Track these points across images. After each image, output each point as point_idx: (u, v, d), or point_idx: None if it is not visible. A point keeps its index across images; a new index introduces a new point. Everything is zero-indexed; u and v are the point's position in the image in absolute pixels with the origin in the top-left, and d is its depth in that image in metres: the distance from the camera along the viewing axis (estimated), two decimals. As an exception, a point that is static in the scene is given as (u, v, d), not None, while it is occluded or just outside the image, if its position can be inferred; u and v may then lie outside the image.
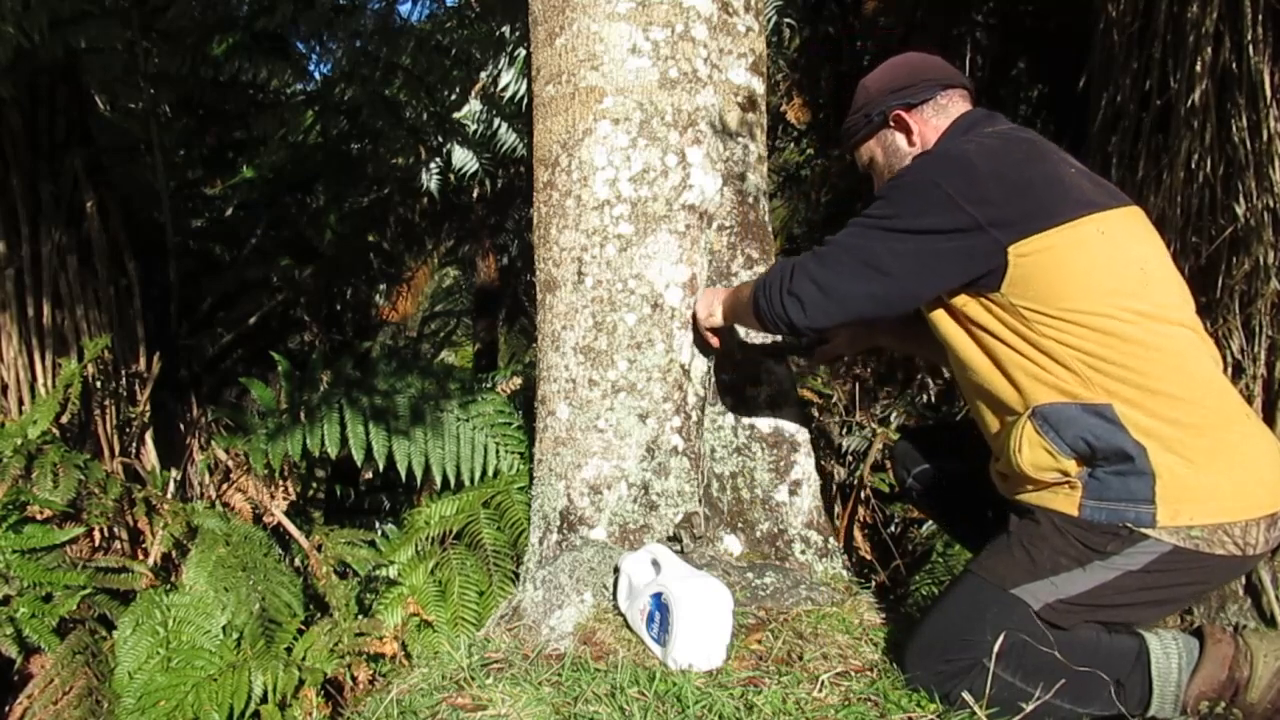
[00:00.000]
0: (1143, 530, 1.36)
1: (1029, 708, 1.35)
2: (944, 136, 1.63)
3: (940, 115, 1.65)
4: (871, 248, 1.50)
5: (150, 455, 3.14)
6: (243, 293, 3.91)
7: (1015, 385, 1.46)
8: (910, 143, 1.67)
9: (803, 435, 2.07)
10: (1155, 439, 1.36)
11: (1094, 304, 1.39)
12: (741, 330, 2.05)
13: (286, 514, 2.89)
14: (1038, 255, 1.41)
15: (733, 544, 1.96)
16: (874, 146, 1.73)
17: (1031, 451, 1.43)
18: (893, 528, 3.30)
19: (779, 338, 2.08)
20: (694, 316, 1.95)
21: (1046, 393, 1.42)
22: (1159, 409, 1.37)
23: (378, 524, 3.29)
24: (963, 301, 1.50)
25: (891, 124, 1.69)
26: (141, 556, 2.61)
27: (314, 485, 3.30)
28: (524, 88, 4.21)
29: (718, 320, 1.89)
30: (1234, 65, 2.30)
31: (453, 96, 4.55)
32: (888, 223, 1.49)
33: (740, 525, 1.98)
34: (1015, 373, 1.46)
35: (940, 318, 1.56)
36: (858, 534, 3.27)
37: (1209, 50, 2.31)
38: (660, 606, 1.61)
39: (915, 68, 1.71)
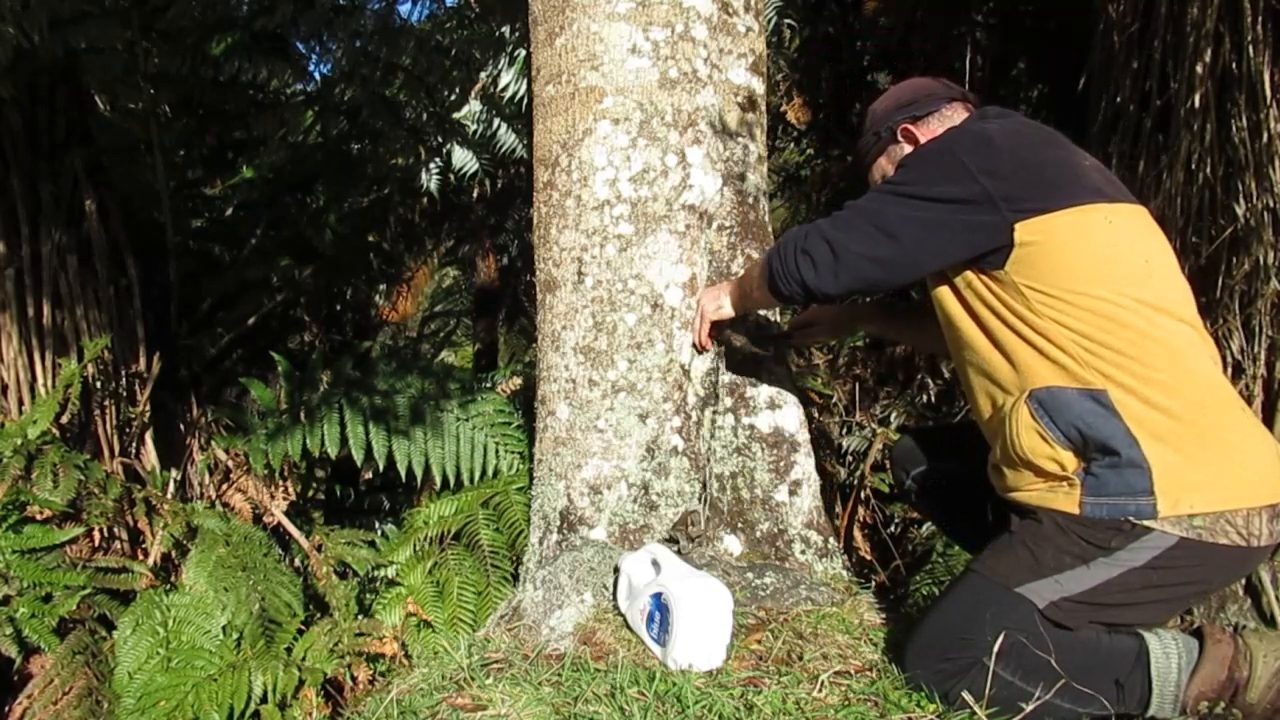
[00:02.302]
0: (1145, 523, 1.36)
1: (1029, 708, 1.36)
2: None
3: (945, 125, 1.67)
4: (884, 211, 1.52)
5: (150, 455, 3.14)
6: (243, 293, 3.91)
7: (1013, 365, 1.47)
8: None
9: (803, 435, 2.07)
10: (1148, 429, 1.36)
11: (1096, 288, 1.40)
12: (741, 330, 2.05)
13: (286, 514, 2.89)
14: (1044, 235, 1.42)
15: (733, 544, 1.96)
16: (884, 163, 1.75)
17: (1027, 435, 1.44)
18: (893, 528, 3.30)
19: (770, 325, 2.08)
20: (699, 313, 1.95)
21: (1043, 375, 1.43)
22: (1154, 398, 1.37)
23: (378, 524, 3.29)
24: (966, 279, 1.52)
25: (900, 137, 1.71)
26: (141, 556, 2.61)
27: (314, 485, 3.30)
28: (524, 88, 4.21)
29: (727, 311, 1.89)
30: (1234, 65, 2.30)
31: (453, 97, 4.54)
32: (903, 188, 1.52)
33: (740, 525, 1.98)
34: (1013, 353, 1.47)
35: (943, 294, 1.57)
36: (858, 534, 3.27)
37: (1209, 50, 2.31)
38: (660, 606, 1.61)
39: (919, 86, 1.75)
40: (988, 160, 1.46)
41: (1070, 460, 1.42)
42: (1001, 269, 1.45)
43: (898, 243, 1.51)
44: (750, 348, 2.05)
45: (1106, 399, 1.38)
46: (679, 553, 1.79)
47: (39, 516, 2.44)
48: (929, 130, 1.68)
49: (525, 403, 2.83)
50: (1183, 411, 1.37)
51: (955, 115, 1.68)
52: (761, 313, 2.07)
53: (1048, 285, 1.42)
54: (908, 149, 1.70)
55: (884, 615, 1.79)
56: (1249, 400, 2.33)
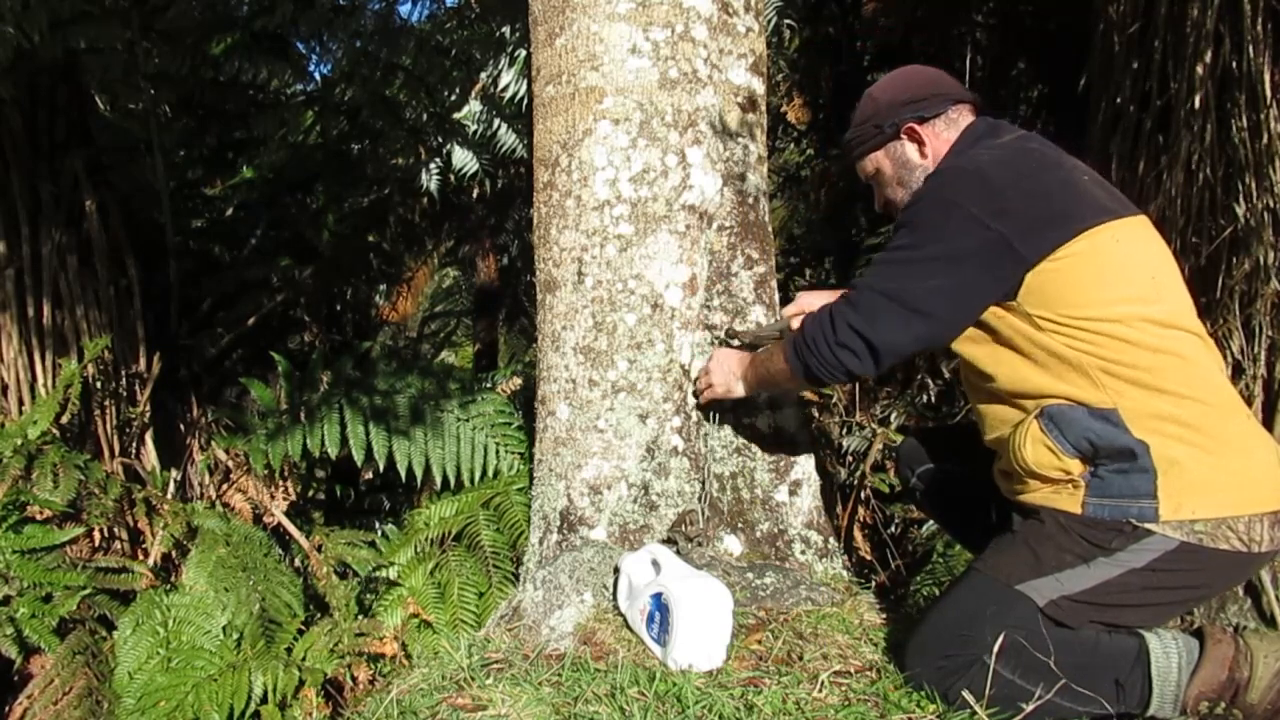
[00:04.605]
0: (1146, 526, 1.37)
1: (1030, 707, 1.36)
2: (952, 149, 1.62)
3: (951, 129, 1.64)
4: (906, 289, 1.48)
5: (150, 455, 3.14)
6: (243, 293, 3.90)
7: (1022, 385, 1.47)
8: (922, 155, 1.65)
9: (803, 435, 2.07)
10: (1157, 435, 1.37)
11: (1105, 311, 1.40)
12: (740, 330, 2.05)
13: (286, 514, 2.89)
14: (1056, 264, 1.41)
15: (733, 544, 1.96)
16: (882, 158, 1.70)
17: (1034, 449, 1.45)
18: (893, 528, 3.30)
19: (769, 325, 2.08)
20: (708, 387, 1.90)
21: (1053, 394, 1.44)
22: (1164, 409, 1.38)
23: (378, 524, 3.29)
24: None
25: (903, 136, 1.66)
26: (141, 556, 2.61)
27: (314, 485, 3.30)
28: (524, 88, 4.21)
29: (740, 393, 1.84)
30: (1234, 65, 2.30)
31: (453, 97, 4.54)
32: (916, 253, 1.48)
33: (740, 525, 1.98)
34: (1022, 374, 1.47)
35: None
36: (858, 534, 3.27)
37: (1209, 51, 2.31)
38: (660, 606, 1.61)
39: (927, 81, 1.68)
40: (994, 202, 1.43)
41: (1077, 466, 1.43)
42: (1013, 299, 1.44)
43: (932, 317, 1.48)
44: (750, 348, 2.05)
45: (1117, 417, 1.38)
46: (678, 553, 1.79)
47: (39, 516, 2.43)
48: (934, 134, 1.64)
49: (525, 403, 2.83)
50: (1190, 419, 1.38)
51: (961, 118, 1.64)
52: (761, 313, 2.07)
53: (1057, 313, 1.41)
54: (910, 149, 1.67)
55: (884, 615, 1.79)
56: (1249, 400, 2.33)
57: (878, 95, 1.70)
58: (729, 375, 1.85)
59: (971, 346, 1.54)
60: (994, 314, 1.48)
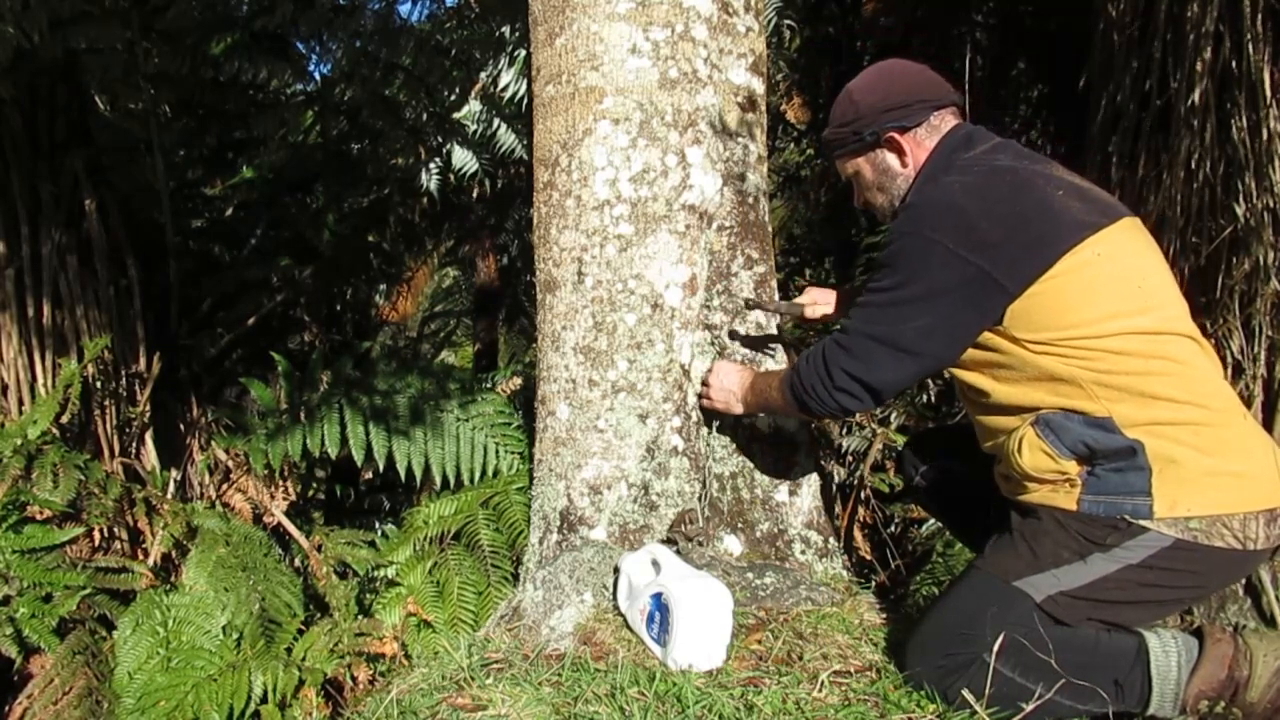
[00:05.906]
0: (1141, 522, 1.37)
1: (1029, 706, 1.36)
2: (929, 160, 1.61)
3: (932, 135, 1.63)
4: (896, 332, 1.50)
5: (150, 455, 3.14)
6: (243, 293, 3.90)
7: (1020, 402, 1.48)
8: (903, 164, 1.65)
9: (803, 435, 2.07)
10: (1154, 436, 1.38)
11: (1093, 328, 1.40)
12: (741, 331, 2.06)
13: (286, 514, 2.89)
14: (1039, 288, 1.41)
15: (733, 544, 1.96)
16: (862, 163, 1.70)
17: (1031, 454, 1.45)
18: (893, 528, 3.29)
19: (769, 327, 2.08)
20: (706, 396, 1.94)
21: (1048, 405, 1.45)
22: (1159, 414, 1.38)
23: (378, 524, 3.30)
24: None
25: (884, 145, 1.65)
26: (141, 556, 2.61)
27: (314, 485, 3.30)
28: (524, 88, 4.21)
29: (738, 411, 1.88)
30: (1234, 65, 2.30)
31: (453, 97, 4.54)
32: (899, 293, 1.49)
33: (740, 525, 1.98)
34: (1021, 392, 1.47)
35: None
36: (858, 534, 3.26)
37: (1209, 50, 2.31)
38: (660, 606, 1.61)
39: (909, 87, 1.65)
40: (970, 234, 1.43)
41: (1074, 467, 1.43)
42: (1000, 324, 1.45)
43: (924, 356, 1.51)
44: (750, 349, 2.05)
45: (1112, 425, 1.39)
46: (678, 553, 1.79)
47: (39, 516, 2.43)
48: (916, 142, 1.62)
49: (525, 403, 2.83)
50: (1186, 420, 1.38)
51: (944, 124, 1.63)
52: (760, 313, 2.07)
53: (1045, 335, 1.42)
54: (891, 158, 1.65)
55: (884, 615, 1.79)
56: (1248, 401, 2.33)
57: (858, 98, 1.67)
58: (729, 394, 1.88)
59: (964, 368, 1.55)
60: (984, 338, 1.48)
